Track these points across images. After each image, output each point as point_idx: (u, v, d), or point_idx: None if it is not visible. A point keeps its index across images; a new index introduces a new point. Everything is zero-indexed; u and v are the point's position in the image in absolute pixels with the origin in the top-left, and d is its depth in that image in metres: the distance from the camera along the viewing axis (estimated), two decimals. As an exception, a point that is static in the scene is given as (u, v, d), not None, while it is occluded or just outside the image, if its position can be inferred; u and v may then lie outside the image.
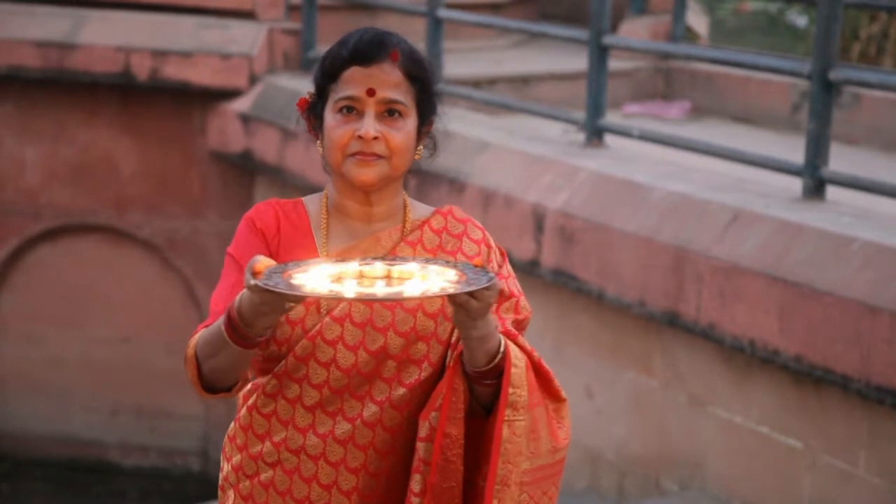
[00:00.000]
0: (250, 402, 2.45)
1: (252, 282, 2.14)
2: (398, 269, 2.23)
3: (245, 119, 7.54)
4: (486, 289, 2.18)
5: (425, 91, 2.42)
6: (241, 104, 7.60)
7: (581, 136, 6.26)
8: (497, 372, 2.33)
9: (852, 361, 4.37)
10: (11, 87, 7.91)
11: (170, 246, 7.96)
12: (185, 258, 7.94)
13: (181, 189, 7.96)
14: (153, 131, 7.95)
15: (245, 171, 7.79)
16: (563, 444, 2.46)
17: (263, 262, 2.16)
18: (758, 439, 4.89)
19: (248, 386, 2.49)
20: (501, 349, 2.32)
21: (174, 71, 7.66)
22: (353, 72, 2.37)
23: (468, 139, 6.23)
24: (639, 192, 5.34)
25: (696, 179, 5.42)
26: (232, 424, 2.50)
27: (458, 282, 2.18)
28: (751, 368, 4.89)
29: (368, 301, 2.18)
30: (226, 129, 7.69)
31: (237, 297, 2.22)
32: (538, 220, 5.61)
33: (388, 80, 2.37)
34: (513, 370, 2.33)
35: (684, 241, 5.01)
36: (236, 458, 2.48)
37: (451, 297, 2.20)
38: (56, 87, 7.85)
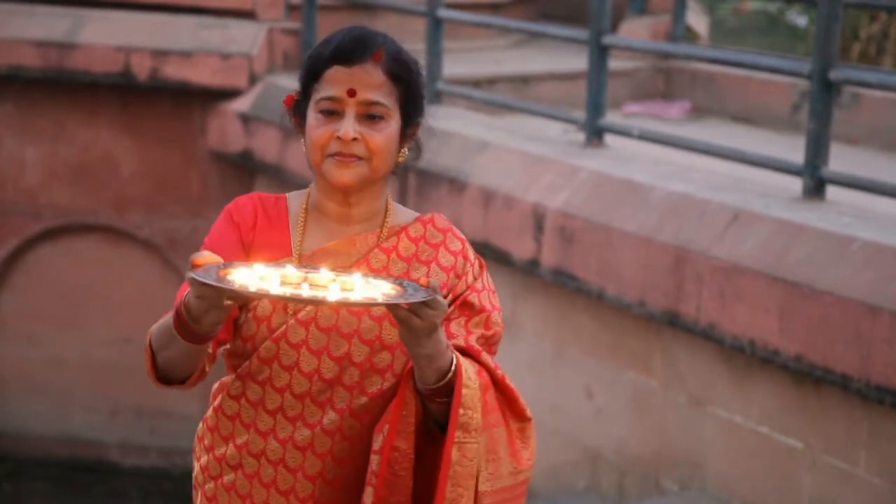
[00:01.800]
0: (216, 402, 2.44)
1: (188, 274, 2.12)
2: (343, 278, 2.19)
3: (245, 119, 7.54)
4: (427, 306, 2.14)
5: (410, 92, 2.38)
6: (241, 104, 7.60)
7: (581, 136, 6.26)
8: (448, 390, 2.29)
9: (852, 361, 4.36)
10: (11, 87, 7.91)
11: (170, 246, 7.96)
12: (185, 258, 7.92)
13: (181, 189, 7.96)
14: (153, 131, 7.95)
15: (245, 170, 7.79)
16: (527, 465, 2.41)
17: (206, 256, 2.15)
18: (758, 439, 4.89)
19: (216, 385, 2.48)
20: (453, 368, 2.28)
21: (174, 71, 7.66)
22: (335, 71, 2.33)
23: (468, 139, 6.23)
24: (639, 192, 5.34)
25: (696, 179, 5.42)
26: (200, 425, 2.49)
27: (392, 295, 2.15)
28: (751, 368, 4.89)
29: (292, 301, 2.14)
30: (226, 129, 7.69)
31: (186, 293, 2.20)
32: (538, 220, 5.61)
33: (370, 81, 2.33)
34: (464, 391, 2.29)
35: (684, 241, 5.00)
36: (203, 459, 2.47)
37: (395, 314, 2.17)
38: (56, 87, 7.85)
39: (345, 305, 2.15)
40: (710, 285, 4.86)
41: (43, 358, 8.17)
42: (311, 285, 2.18)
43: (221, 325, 2.22)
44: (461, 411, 2.29)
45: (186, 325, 2.20)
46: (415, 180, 6.25)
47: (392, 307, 2.16)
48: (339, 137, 2.32)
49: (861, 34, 10.54)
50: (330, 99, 2.34)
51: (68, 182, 8.03)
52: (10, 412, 8.24)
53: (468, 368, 2.31)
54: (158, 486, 7.99)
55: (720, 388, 5.04)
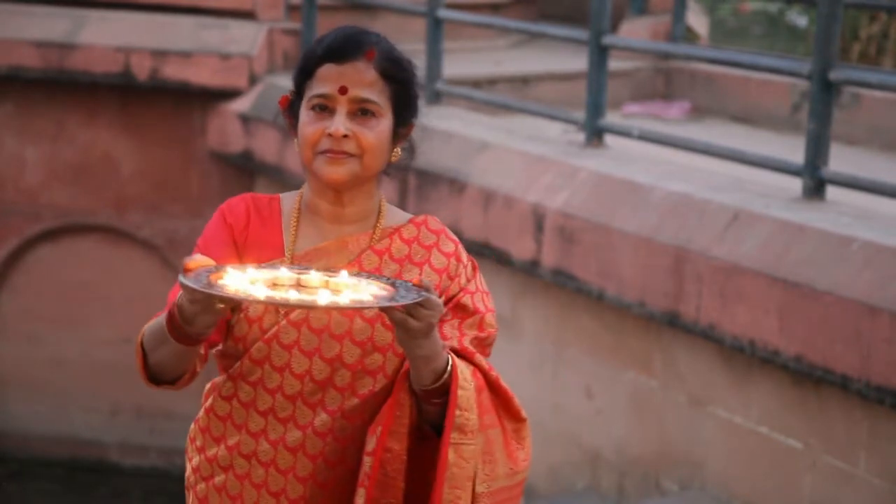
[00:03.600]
0: (208, 403, 2.44)
1: (179, 278, 2.12)
2: (335, 280, 2.19)
3: (245, 119, 7.54)
4: (421, 306, 2.14)
5: (403, 92, 2.38)
6: (241, 104, 7.60)
7: (581, 136, 6.26)
8: (444, 391, 2.29)
9: (852, 361, 4.36)
10: (11, 87, 7.91)
11: (170, 246, 7.96)
12: (186, 258, 7.92)
13: (181, 189, 7.96)
14: (153, 131, 7.95)
15: (245, 171, 7.79)
16: (523, 466, 2.41)
17: (198, 259, 2.15)
18: (758, 439, 4.89)
19: (208, 386, 2.48)
20: (448, 369, 2.28)
21: (174, 71, 7.66)
22: (327, 69, 2.33)
23: (468, 139, 6.23)
24: (639, 192, 5.34)
25: (696, 179, 5.42)
26: (192, 425, 2.49)
27: (383, 297, 2.14)
28: (751, 368, 4.89)
29: (283, 306, 2.13)
30: (226, 129, 7.69)
31: (179, 294, 2.19)
32: (538, 220, 5.61)
33: (362, 79, 2.33)
34: (460, 392, 2.28)
35: (684, 241, 5.00)
36: (195, 460, 2.46)
37: (391, 316, 2.17)
38: (56, 87, 7.85)
39: (336, 309, 2.14)
40: (710, 285, 4.86)
41: (43, 358, 8.17)
42: (302, 288, 2.17)
43: (214, 327, 2.22)
44: (457, 412, 2.28)
45: (179, 327, 2.20)
46: (415, 181, 6.25)
47: (387, 309, 2.15)
48: (329, 134, 2.32)
49: (861, 34, 10.53)
50: (321, 96, 2.33)
51: (68, 182, 8.03)
52: (10, 412, 8.24)
53: (463, 370, 2.31)
54: (160, 486, 7.99)
55: (720, 388, 5.04)
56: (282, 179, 7.18)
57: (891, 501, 4.45)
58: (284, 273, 2.20)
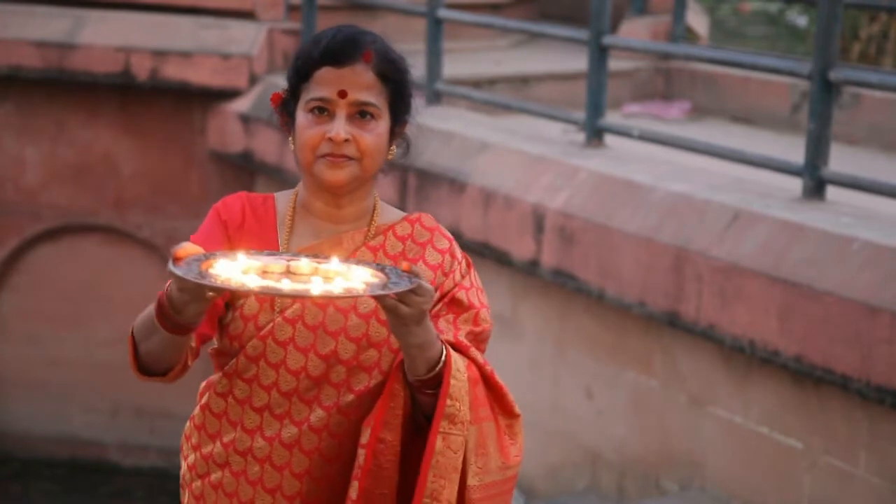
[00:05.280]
0: (203, 400, 2.44)
1: (169, 267, 2.11)
2: (325, 267, 2.19)
3: (245, 119, 7.54)
4: (413, 293, 2.14)
5: (399, 91, 2.39)
6: (241, 104, 7.61)
7: (581, 136, 6.26)
8: (437, 382, 2.29)
9: (852, 361, 4.36)
10: (11, 87, 7.91)
11: (170, 246, 7.92)
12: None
13: (181, 189, 7.96)
14: (153, 131, 7.95)
15: (245, 171, 7.79)
16: (515, 461, 2.41)
17: (187, 248, 2.14)
18: (757, 439, 4.89)
19: (203, 384, 2.48)
20: (442, 359, 2.28)
21: (174, 71, 7.66)
22: (325, 72, 2.34)
23: (468, 139, 6.23)
24: (639, 192, 5.34)
25: (696, 179, 5.42)
26: (188, 423, 2.49)
27: (375, 284, 2.14)
28: (751, 368, 4.89)
29: (274, 294, 2.13)
30: (226, 129, 7.69)
31: (168, 283, 2.19)
32: (538, 220, 5.61)
33: (360, 82, 2.33)
34: (452, 382, 2.29)
35: (684, 241, 5.00)
36: (191, 458, 2.47)
37: (382, 303, 2.17)
38: (56, 87, 7.86)
39: (329, 298, 2.14)
40: (710, 285, 4.86)
41: (43, 358, 8.17)
42: (293, 274, 2.17)
43: (203, 315, 2.22)
44: (448, 402, 2.29)
45: (168, 315, 2.20)
46: (415, 180, 6.25)
47: (378, 296, 2.15)
48: (330, 139, 2.33)
49: (861, 34, 10.54)
50: (320, 100, 2.34)
51: (68, 182, 8.03)
52: (10, 412, 8.24)
53: (457, 360, 2.31)
54: (161, 485, 8.00)
55: (720, 388, 5.04)
56: (282, 179, 7.18)
57: (891, 501, 4.45)
58: (274, 260, 2.19)
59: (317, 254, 2.28)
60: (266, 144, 7.41)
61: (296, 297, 2.14)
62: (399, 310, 2.16)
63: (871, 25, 10.52)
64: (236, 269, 2.14)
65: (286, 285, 2.11)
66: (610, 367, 5.54)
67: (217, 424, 2.41)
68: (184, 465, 2.49)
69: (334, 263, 2.20)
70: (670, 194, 5.23)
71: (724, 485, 5.05)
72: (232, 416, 2.40)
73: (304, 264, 2.20)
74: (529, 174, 5.82)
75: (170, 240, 7.95)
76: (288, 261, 2.20)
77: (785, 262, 4.64)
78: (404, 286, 2.13)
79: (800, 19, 13.69)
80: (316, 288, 2.11)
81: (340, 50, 2.33)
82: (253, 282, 2.11)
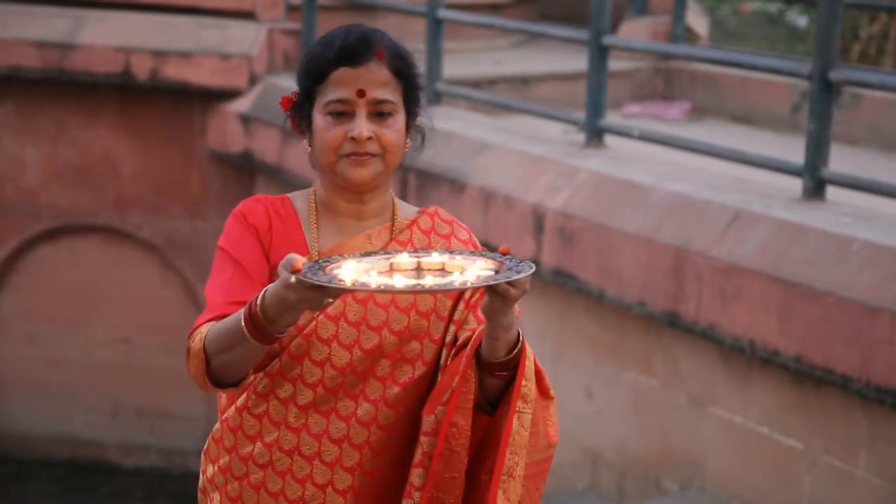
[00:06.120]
0: (239, 402, 2.44)
1: (294, 278, 2.11)
2: (425, 260, 2.24)
3: (245, 119, 7.54)
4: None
5: (411, 86, 2.43)
6: (241, 104, 7.61)
7: (581, 137, 6.26)
8: (512, 364, 2.33)
9: (852, 361, 4.37)
10: (11, 87, 7.91)
11: (170, 246, 7.96)
12: (185, 258, 7.94)
13: (181, 189, 7.96)
14: (153, 131, 7.95)
15: (245, 171, 7.79)
16: (555, 440, 2.50)
17: (301, 259, 2.15)
18: (758, 439, 4.89)
19: None
20: (520, 340, 2.33)
21: (174, 71, 7.66)
22: (342, 73, 2.37)
23: (468, 139, 6.23)
24: (639, 192, 5.34)
25: (696, 179, 5.42)
26: (217, 426, 2.49)
27: (497, 270, 2.19)
28: (751, 368, 4.89)
29: (420, 292, 2.20)
30: (226, 129, 7.69)
31: (260, 294, 2.21)
32: (538, 220, 5.61)
33: (377, 80, 2.37)
34: (527, 363, 2.34)
35: (684, 241, 5.01)
36: (224, 460, 2.46)
37: (497, 287, 2.20)
38: (56, 87, 7.86)
39: (468, 288, 2.19)
40: (710, 285, 4.86)
41: (43, 358, 8.17)
42: (423, 271, 2.22)
43: (295, 323, 2.25)
44: (524, 382, 2.34)
45: (261, 325, 2.21)
46: (415, 180, 6.25)
47: (513, 282, 2.19)
48: (353, 138, 2.36)
49: (861, 34, 10.53)
50: (340, 101, 2.37)
51: (68, 182, 8.03)
52: (10, 412, 8.24)
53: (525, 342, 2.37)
54: (161, 485, 8.00)
55: (720, 388, 5.04)
56: (282, 179, 7.18)
57: (891, 501, 4.45)
58: (404, 258, 2.24)
59: (415, 249, 2.32)
60: (266, 144, 7.41)
61: (443, 291, 2.22)
62: (509, 293, 2.20)
63: (871, 25, 10.52)
64: (360, 270, 2.18)
65: (429, 281, 2.16)
66: (610, 367, 5.54)
67: (257, 425, 2.42)
68: (211, 469, 2.49)
69: (435, 256, 2.24)
70: (670, 194, 5.23)
71: (724, 485, 5.05)
72: (274, 415, 2.41)
73: (405, 259, 2.24)
74: (529, 174, 5.82)
75: (170, 240, 7.96)
76: (389, 259, 2.24)
77: (785, 262, 4.64)
78: (526, 269, 2.18)
79: (800, 20, 13.69)
80: (458, 279, 2.16)
81: (355, 50, 2.36)
82: (397, 281, 2.15)
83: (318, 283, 2.10)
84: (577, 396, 5.69)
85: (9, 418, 8.24)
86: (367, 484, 2.42)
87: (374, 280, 2.14)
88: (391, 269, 2.22)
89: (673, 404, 5.25)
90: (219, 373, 2.34)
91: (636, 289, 5.18)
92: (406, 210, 2.51)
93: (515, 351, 2.33)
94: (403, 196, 6.24)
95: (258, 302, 2.21)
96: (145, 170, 7.98)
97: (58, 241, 8.11)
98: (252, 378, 2.44)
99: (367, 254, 2.27)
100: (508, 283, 2.18)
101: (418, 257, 2.24)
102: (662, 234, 5.10)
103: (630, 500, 5.46)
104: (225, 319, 2.30)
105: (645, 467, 5.41)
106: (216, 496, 2.48)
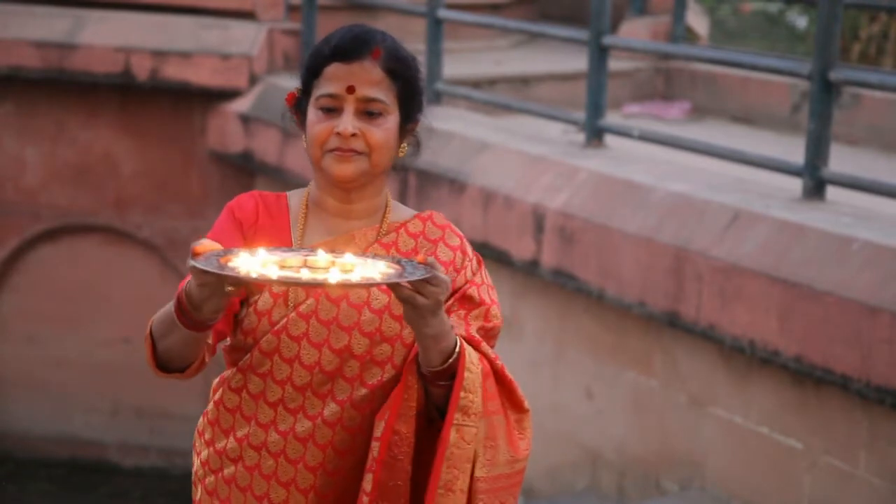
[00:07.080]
0: (216, 396, 2.46)
1: (189, 262, 2.14)
2: (342, 260, 2.22)
3: (245, 119, 7.54)
4: (428, 283, 2.17)
5: (409, 89, 2.42)
6: (241, 104, 7.61)
7: (581, 137, 6.26)
8: (450, 374, 2.31)
9: (852, 361, 4.37)
10: (11, 87, 7.91)
11: (170, 246, 7.96)
12: (185, 258, 7.91)
13: (181, 189, 7.96)
14: (153, 131, 7.95)
15: (245, 171, 7.79)
16: (523, 454, 2.43)
17: (206, 244, 2.17)
18: (758, 439, 4.89)
19: (216, 380, 2.50)
20: (457, 350, 2.31)
21: (174, 71, 7.66)
22: (335, 69, 2.37)
23: (468, 139, 6.23)
24: (639, 192, 5.34)
25: (696, 179, 5.42)
26: (201, 419, 2.51)
27: (392, 274, 2.18)
28: (751, 368, 4.89)
29: (294, 285, 2.17)
30: (226, 129, 7.69)
31: (187, 280, 2.22)
32: (538, 220, 5.61)
33: (369, 78, 2.36)
34: (466, 374, 2.31)
35: (684, 241, 5.01)
36: (204, 454, 2.48)
37: (398, 294, 2.20)
38: (56, 87, 7.86)
39: (347, 287, 2.16)
40: (710, 285, 4.86)
41: (43, 358, 8.17)
42: (310, 268, 2.20)
43: (222, 312, 2.24)
44: (462, 394, 2.31)
45: (187, 312, 2.23)
46: (415, 181, 6.25)
47: (394, 286, 2.18)
48: (338, 133, 2.36)
49: (861, 34, 10.54)
50: (329, 96, 2.37)
51: (68, 182, 8.03)
52: (10, 412, 8.24)
53: (471, 353, 2.34)
54: (161, 486, 8.00)
55: (720, 388, 5.04)
56: (282, 179, 7.18)
57: (891, 501, 4.45)
58: (292, 255, 2.23)
59: (333, 249, 2.30)
60: (266, 144, 7.41)
61: (314, 285, 2.17)
62: (415, 300, 2.19)
63: (871, 25, 10.52)
64: (255, 263, 2.17)
65: (305, 275, 2.15)
66: (610, 367, 5.54)
67: (231, 419, 2.44)
68: (196, 462, 2.51)
69: (349, 257, 2.22)
70: (670, 194, 5.23)
71: (724, 485, 5.05)
72: (246, 410, 2.42)
73: (321, 258, 2.23)
74: (529, 174, 5.82)
75: (170, 240, 7.95)
76: (305, 255, 2.23)
77: (785, 263, 4.64)
78: (420, 275, 2.16)
79: (800, 20, 13.69)
80: (333, 277, 2.14)
81: (349, 46, 2.37)
82: (272, 272, 2.14)
83: (201, 268, 2.10)
84: (577, 396, 5.69)
85: (9, 418, 8.24)
86: (329, 484, 2.41)
87: (255, 270, 2.14)
88: (305, 266, 2.21)
89: (673, 404, 5.25)
90: (164, 358, 2.36)
91: (636, 289, 5.18)
92: (401, 213, 2.49)
93: (451, 360, 2.30)
94: (403, 196, 6.24)
95: (185, 288, 2.22)
96: (145, 170, 7.98)
97: (58, 241, 8.11)
98: (217, 380, 2.46)
99: (288, 249, 2.26)
100: (417, 291, 2.17)
101: (336, 258, 2.22)
102: (662, 234, 5.10)
103: (630, 500, 5.46)
104: (167, 305, 2.31)
105: (645, 467, 5.41)
106: (199, 489, 2.50)
